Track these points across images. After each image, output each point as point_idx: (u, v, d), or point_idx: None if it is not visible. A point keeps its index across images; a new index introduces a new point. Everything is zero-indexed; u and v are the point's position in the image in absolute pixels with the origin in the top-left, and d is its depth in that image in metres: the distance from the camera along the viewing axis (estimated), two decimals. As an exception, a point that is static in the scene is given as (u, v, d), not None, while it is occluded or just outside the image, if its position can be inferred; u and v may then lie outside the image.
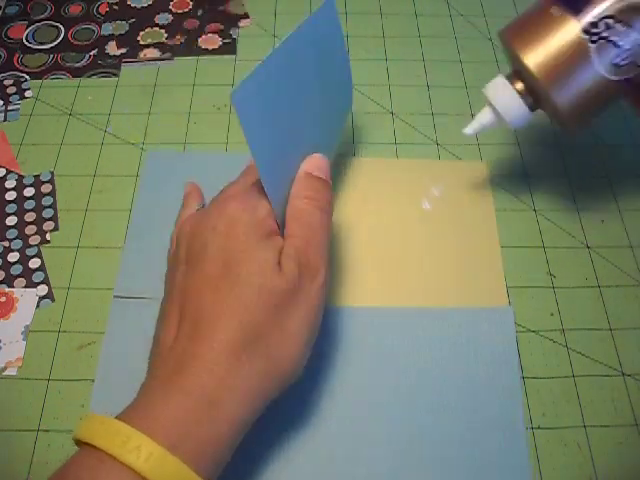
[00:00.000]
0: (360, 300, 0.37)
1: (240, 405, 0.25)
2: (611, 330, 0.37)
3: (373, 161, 0.43)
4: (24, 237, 0.39)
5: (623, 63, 0.31)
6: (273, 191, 0.29)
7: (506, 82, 0.35)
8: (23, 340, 0.35)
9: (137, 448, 0.23)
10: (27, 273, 0.37)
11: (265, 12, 0.52)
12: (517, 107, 0.34)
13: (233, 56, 0.49)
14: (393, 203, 0.41)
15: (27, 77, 0.47)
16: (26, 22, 0.51)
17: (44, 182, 0.41)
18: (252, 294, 0.27)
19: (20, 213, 0.40)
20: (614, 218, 0.41)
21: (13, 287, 0.37)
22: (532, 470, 0.32)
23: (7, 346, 0.35)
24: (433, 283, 0.38)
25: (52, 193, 0.41)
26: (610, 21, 0.30)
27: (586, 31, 0.31)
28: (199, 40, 0.50)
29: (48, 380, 0.34)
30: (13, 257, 0.38)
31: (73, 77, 0.47)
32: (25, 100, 0.46)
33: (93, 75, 0.47)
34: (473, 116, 0.37)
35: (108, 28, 0.50)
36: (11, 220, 0.39)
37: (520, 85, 0.34)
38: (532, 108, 0.35)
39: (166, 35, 0.50)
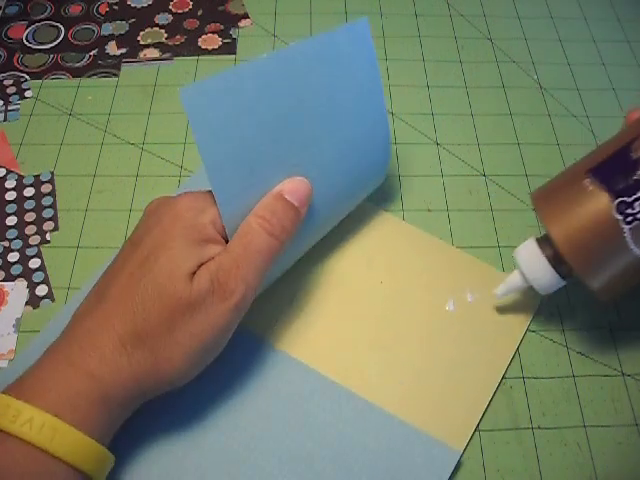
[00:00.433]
0: (315, 362, 0.34)
1: (117, 387, 0.26)
2: (611, 330, 0.37)
3: (398, 222, 0.40)
4: (24, 237, 0.39)
5: None
6: (225, 200, 0.29)
7: (537, 249, 0.32)
8: (14, 333, 0.35)
9: (29, 421, 0.24)
10: (27, 273, 0.37)
11: (265, 12, 0.52)
12: (549, 277, 0.32)
13: (233, 56, 0.49)
14: (411, 283, 0.37)
15: (27, 77, 0.47)
16: (26, 22, 0.51)
17: (44, 182, 0.41)
18: (153, 292, 0.27)
19: (20, 213, 0.40)
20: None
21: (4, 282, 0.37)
22: (533, 471, 0.32)
23: (-1, 340, 0.35)
24: (399, 387, 0.34)
25: (52, 193, 0.41)
26: None
27: (620, 212, 0.28)
28: (199, 40, 0.50)
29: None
30: (13, 257, 0.38)
31: (73, 77, 0.47)
32: (25, 100, 0.46)
33: (93, 75, 0.47)
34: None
35: (108, 28, 0.50)
36: (11, 220, 0.39)
37: (551, 251, 0.32)
38: (565, 276, 0.32)
39: (166, 35, 0.50)
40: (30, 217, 0.40)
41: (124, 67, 0.48)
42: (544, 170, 0.43)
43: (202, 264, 0.28)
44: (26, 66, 0.48)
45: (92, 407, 0.26)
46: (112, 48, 0.49)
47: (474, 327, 0.36)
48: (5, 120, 0.45)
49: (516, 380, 0.35)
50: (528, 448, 0.33)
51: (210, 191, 0.29)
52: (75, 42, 0.49)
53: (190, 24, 0.51)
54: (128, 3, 0.52)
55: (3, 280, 0.37)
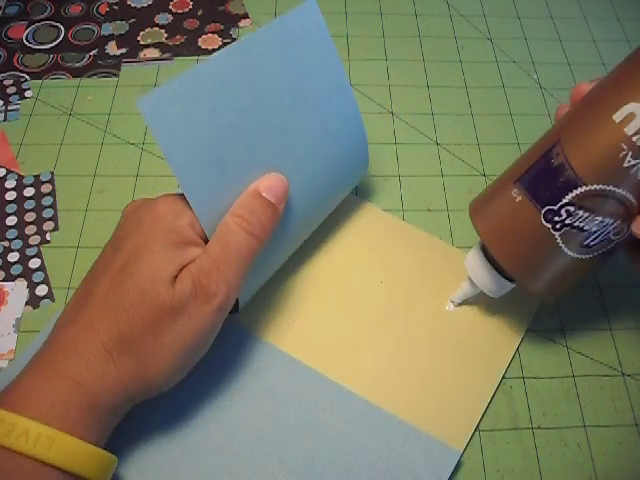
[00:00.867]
0: (315, 362, 0.34)
1: (105, 393, 0.26)
2: (611, 330, 0.37)
3: (396, 221, 0.40)
4: (24, 237, 0.39)
5: (594, 244, 0.28)
6: (200, 203, 0.28)
7: (482, 256, 0.33)
8: (14, 333, 0.35)
9: (25, 433, 0.24)
10: (27, 273, 0.37)
11: (265, 12, 0.52)
12: (496, 282, 0.32)
13: (233, 56, 0.49)
14: (411, 283, 0.37)
15: (27, 77, 0.47)
16: (26, 22, 0.51)
17: (44, 182, 0.41)
18: (135, 297, 0.27)
19: (20, 213, 0.40)
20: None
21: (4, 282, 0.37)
22: (533, 472, 0.32)
23: None
24: (399, 387, 0.34)
25: (52, 193, 0.41)
26: (571, 208, 0.27)
27: (548, 220, 0.28)
28: (199, 40, 0.50)
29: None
30: (13, 257, 0.38)
31: (73, 77, 0.47)
32: (25, 100, 0.46)
33: (93, 75, 0.47)
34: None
35: (108, 28, 0.50)
36: (11, 220, 0.39)
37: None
38: (512, 279, 0.32)
39: (166, 35, 0.50)
40: (30, 217, 0.40)
41: (124, 67, 0.48)
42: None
43: (183, 267, 0.28)
44: (26, 66, 0.48)
45: (81, 415, 0.25)
46: (112, 48, 0.49)
47: (474, 327, 0.36)
48: (5, 120, 0.45)
49: (516, 380, 0.35)
50: (528, 448, 0.33)
51: None
52: (75, 42, 0.49)
53: (190, 24, 0.51)
54: (128, 3, 0.52)
55: (3, 280, 0.37)
